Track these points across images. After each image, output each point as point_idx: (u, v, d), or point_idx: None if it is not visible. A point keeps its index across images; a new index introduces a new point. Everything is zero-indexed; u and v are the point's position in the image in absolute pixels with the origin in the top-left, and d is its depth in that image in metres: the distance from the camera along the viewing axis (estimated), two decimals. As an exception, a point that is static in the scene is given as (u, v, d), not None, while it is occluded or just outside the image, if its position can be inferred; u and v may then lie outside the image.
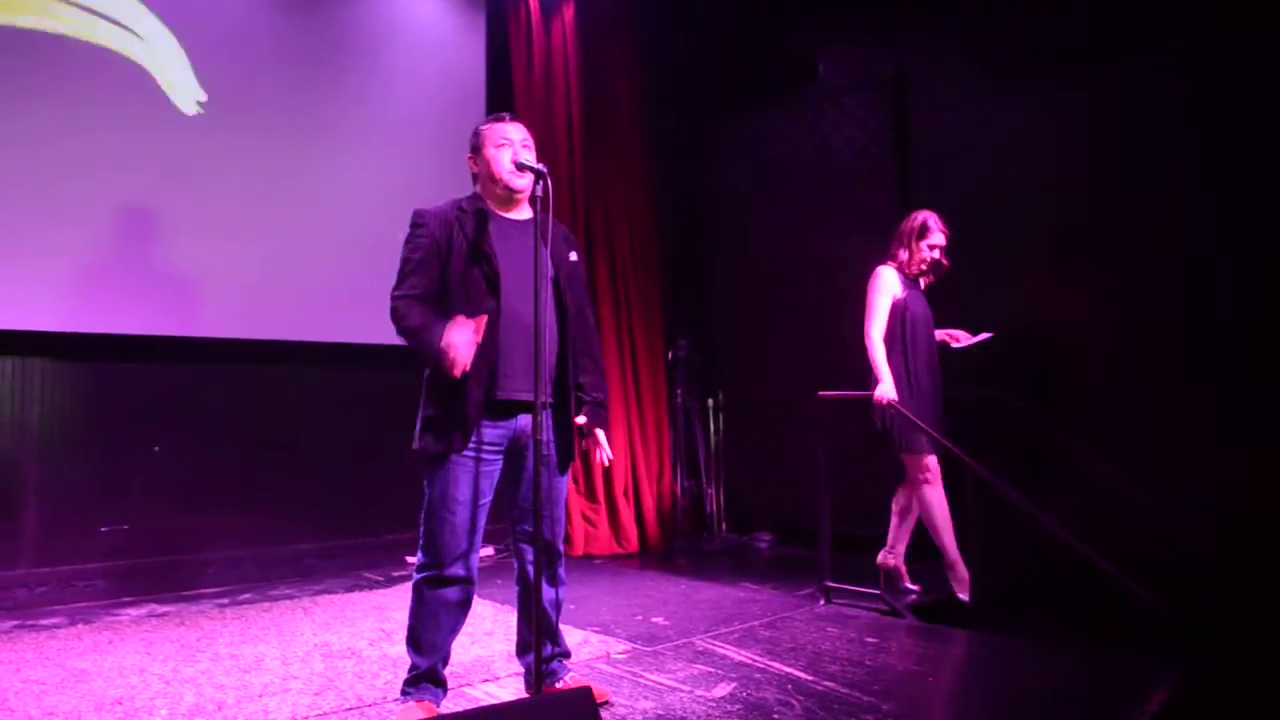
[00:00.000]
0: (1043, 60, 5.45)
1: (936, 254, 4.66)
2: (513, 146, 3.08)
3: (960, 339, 4.83)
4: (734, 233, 7.14)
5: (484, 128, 3.17)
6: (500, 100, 6.45)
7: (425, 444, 3.00)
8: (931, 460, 4.58)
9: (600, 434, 3.30)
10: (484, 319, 2.89)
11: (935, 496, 4.61)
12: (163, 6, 5.17)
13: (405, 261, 3.04)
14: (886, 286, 4.65)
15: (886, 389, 4.49)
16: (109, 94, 4.97)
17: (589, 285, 6.38)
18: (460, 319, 2.85)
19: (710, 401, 6.98)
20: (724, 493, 6.83)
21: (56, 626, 4.29)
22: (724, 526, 6.76)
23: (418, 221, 3.07)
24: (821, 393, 4.88)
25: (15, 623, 4.35)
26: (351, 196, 5.77)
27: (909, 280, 4.71)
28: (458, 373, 2.82)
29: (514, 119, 3.17)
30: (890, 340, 4.61)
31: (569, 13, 6.56)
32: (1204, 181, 4.89)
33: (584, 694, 1.94)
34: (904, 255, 4.70)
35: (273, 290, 5.46)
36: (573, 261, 3.24)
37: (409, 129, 6.09)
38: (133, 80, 5.05)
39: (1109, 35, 5.19)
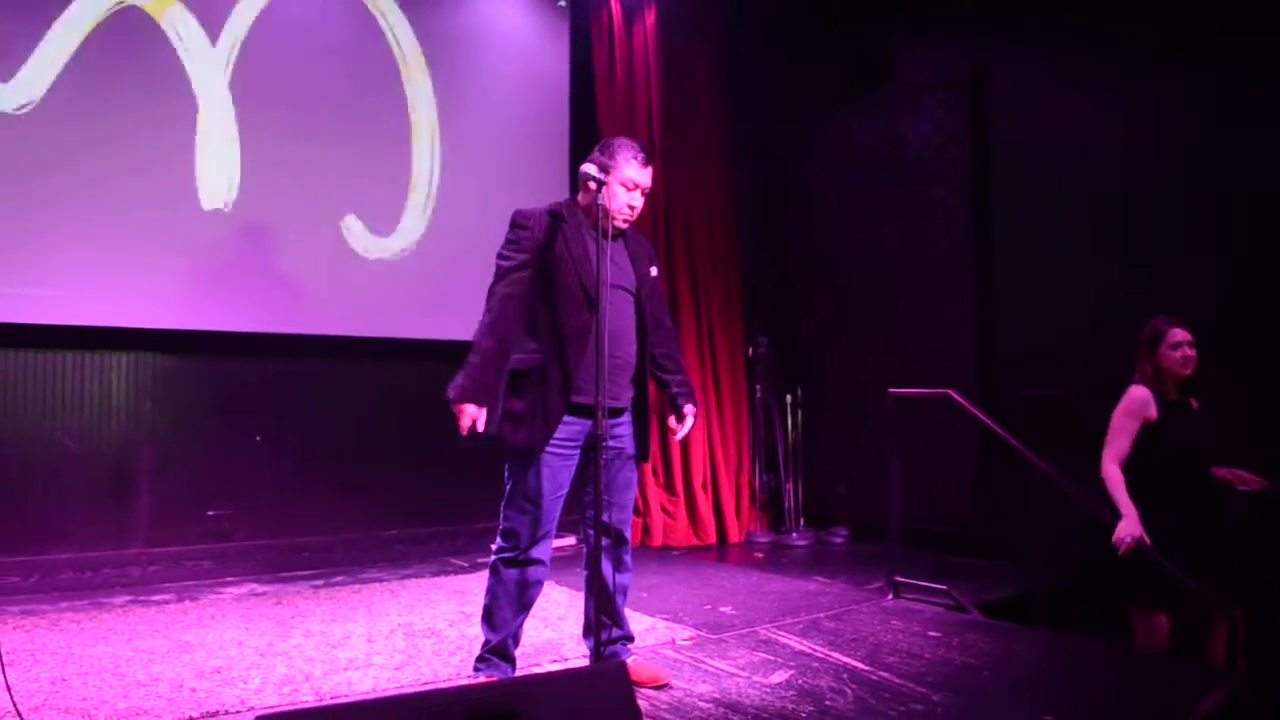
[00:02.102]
0: (1125, 57, 5.38)
1: (1188, 352, 3.89)
2: (637, 194, 3.24)
3: (1250, 482, 3.88)
4: (812, 231, 7.21)
5: (623, 154, 3.21)
6: (583, 103, 6.66)
7: (503, 432, 3.19)
8: (1163, 620, 3.85)
9: (689, 409, 3.41)
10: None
11: None
12: (254, 17, 5.48)
13: (505, 259, 3.20)
14: (1133, 408, 3.91)
15: (1127, 526, 3.73)
16: (217, 111, 5.33)
17: (669, 283, 6.56)
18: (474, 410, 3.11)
19: (789, 398, 7.06)
20: (802, 488, 6.91)
21: (166, 602, 4.63)
22: (801, 521, 6.84)
23: (520, 223, 3.22)
24: (891, 389, 4.94)
25: (129, 598, 4.71)
26: (443, 200, 6.05)
27: (1170, 398, 3.94)
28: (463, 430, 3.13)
29: (649, 162, 3.26)
30: (1144, 471, 3.85)
31: (650, 17, 6.71)
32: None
33: (619, 668, 2.09)
34: (1150, 370, 3.96)
35: (368, 289, 5.76)
36: (653, 277, 3.39)
37: (498, 135, 6.34)
38: (236, 95, 5.39)
39: (1195, 30, 5.10)
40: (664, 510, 6.50)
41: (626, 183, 3.20)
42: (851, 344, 6.86)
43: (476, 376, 3.10)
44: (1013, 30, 5.96)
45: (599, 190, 3.08)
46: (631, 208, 3.24)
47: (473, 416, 3.10)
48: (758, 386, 7.02)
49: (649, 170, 3.27)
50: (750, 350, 7.03)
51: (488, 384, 3.11)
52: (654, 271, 3.40)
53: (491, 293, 3.19)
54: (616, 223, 3.20)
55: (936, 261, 6.29)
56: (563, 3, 6.73)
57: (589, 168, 3.15)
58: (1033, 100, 5.86)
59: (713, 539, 6.53)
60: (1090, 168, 5.52)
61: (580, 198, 3.30)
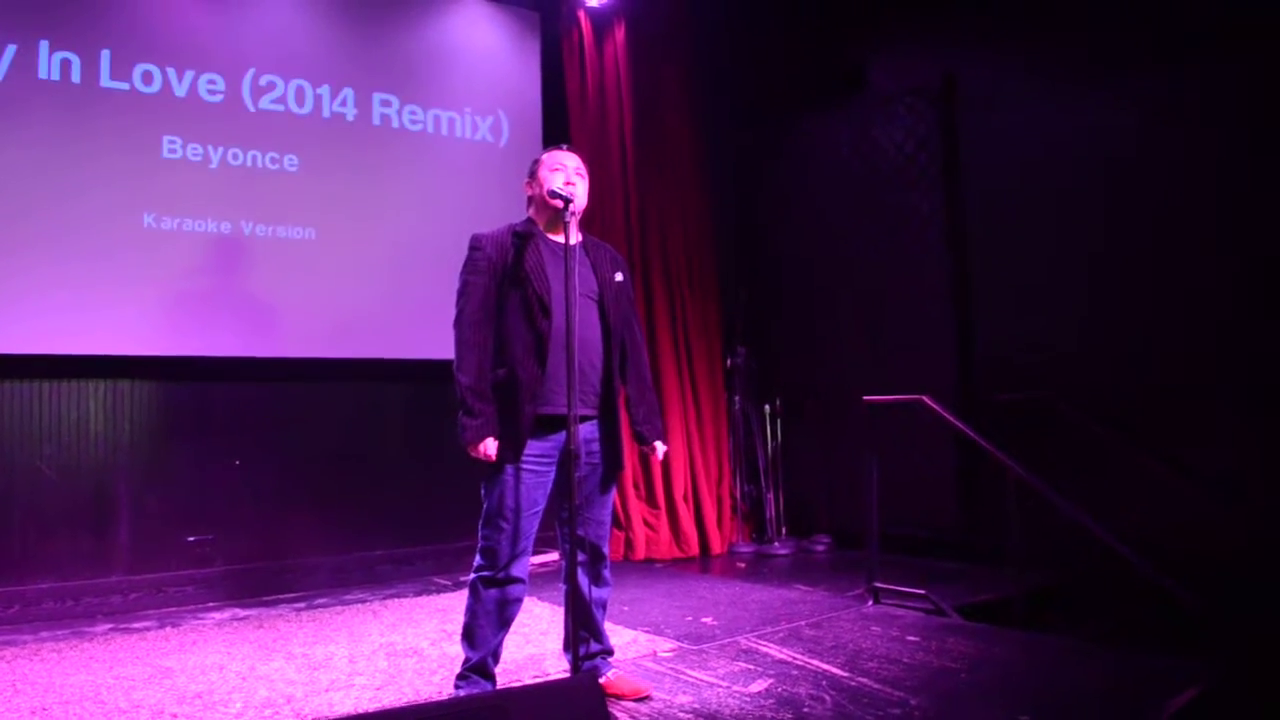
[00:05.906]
0: (1092, 62, 5.46)
1: None
2: (566, 172, 3.33)
3: None
4: (788, 240, 7.26)
5: (543, 155, 3.43)
6: (555, 120, 6.70)
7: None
8: None
9: (658, 445, 3.54)
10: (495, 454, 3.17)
11: None
12: (230, 39, 5.54)
13: (465, 284, 3.28)
14: None
15: None
16: (188, 132, 5.36)
17: (645, 297, 6.59)
18: (490, 443, 3.15)
19: (768, 407, 7.10)
20: (783, 497, 6.94)
21: (147, 629, 4.62)
22: (783, 530, 6.88)
23: (475, 245, 3.31)
24: (866, 397, 4.99)
25: (110, 625, 4.70)
26: (417, 221, 6.07)
27: None
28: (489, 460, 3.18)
29: (570, 149, 3.45)
30: None
31: (620, 34, 6.77)
32: (1259, 181, 4.84)
33: (591, 679, 2.11)
34: None
35: (344, 311, 5.77)
36: (618, 282, 3.44)
37: (469, 153, 6.36)
38: (211, 114, 5.42)
39: (1159, 35, 5.17)
40: (646, 523, 6.52)
41: (553, 166, 3.35)
42: (829, 352, 6.91)
43: (476, 412, 3.15)
44: (981, 37, 6.03)
45: (534, 188, 3.38)
46: (569, 185, 3.29)
47: (492, 449, 3.16)
48: (736, 397, 7.05)
49: (573, 153, 3.42)
50: (728, 361, 7.07)
51: (489, 414, 3.16)
52: (619, 277, 3.44)
53: (457, 319, 3.25)
54: (564, 195, 3.21)
55: (912, 267, 6.34)
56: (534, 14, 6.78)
57: (525, 186, 3.45)
58: (1002, 105, 5.91)
59: (695, 551, 6.55)
60: (1062, 170, 5.57)
61: (532, 212, 3.43)
